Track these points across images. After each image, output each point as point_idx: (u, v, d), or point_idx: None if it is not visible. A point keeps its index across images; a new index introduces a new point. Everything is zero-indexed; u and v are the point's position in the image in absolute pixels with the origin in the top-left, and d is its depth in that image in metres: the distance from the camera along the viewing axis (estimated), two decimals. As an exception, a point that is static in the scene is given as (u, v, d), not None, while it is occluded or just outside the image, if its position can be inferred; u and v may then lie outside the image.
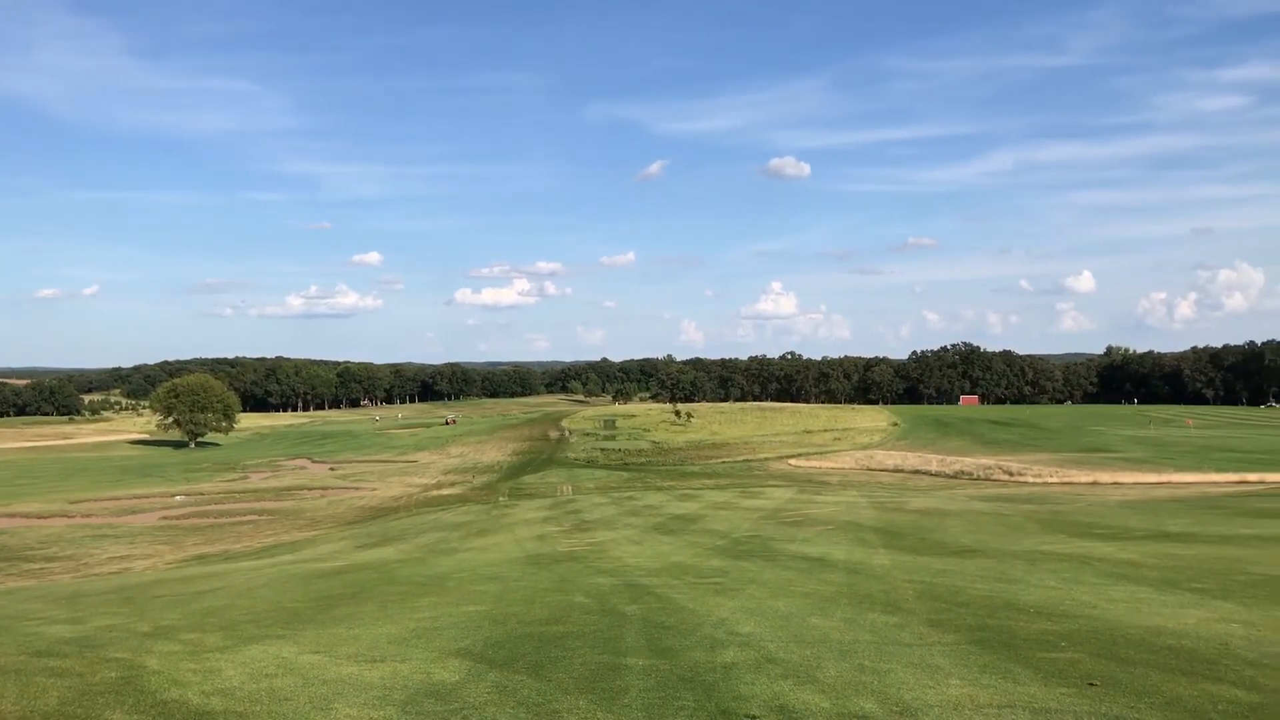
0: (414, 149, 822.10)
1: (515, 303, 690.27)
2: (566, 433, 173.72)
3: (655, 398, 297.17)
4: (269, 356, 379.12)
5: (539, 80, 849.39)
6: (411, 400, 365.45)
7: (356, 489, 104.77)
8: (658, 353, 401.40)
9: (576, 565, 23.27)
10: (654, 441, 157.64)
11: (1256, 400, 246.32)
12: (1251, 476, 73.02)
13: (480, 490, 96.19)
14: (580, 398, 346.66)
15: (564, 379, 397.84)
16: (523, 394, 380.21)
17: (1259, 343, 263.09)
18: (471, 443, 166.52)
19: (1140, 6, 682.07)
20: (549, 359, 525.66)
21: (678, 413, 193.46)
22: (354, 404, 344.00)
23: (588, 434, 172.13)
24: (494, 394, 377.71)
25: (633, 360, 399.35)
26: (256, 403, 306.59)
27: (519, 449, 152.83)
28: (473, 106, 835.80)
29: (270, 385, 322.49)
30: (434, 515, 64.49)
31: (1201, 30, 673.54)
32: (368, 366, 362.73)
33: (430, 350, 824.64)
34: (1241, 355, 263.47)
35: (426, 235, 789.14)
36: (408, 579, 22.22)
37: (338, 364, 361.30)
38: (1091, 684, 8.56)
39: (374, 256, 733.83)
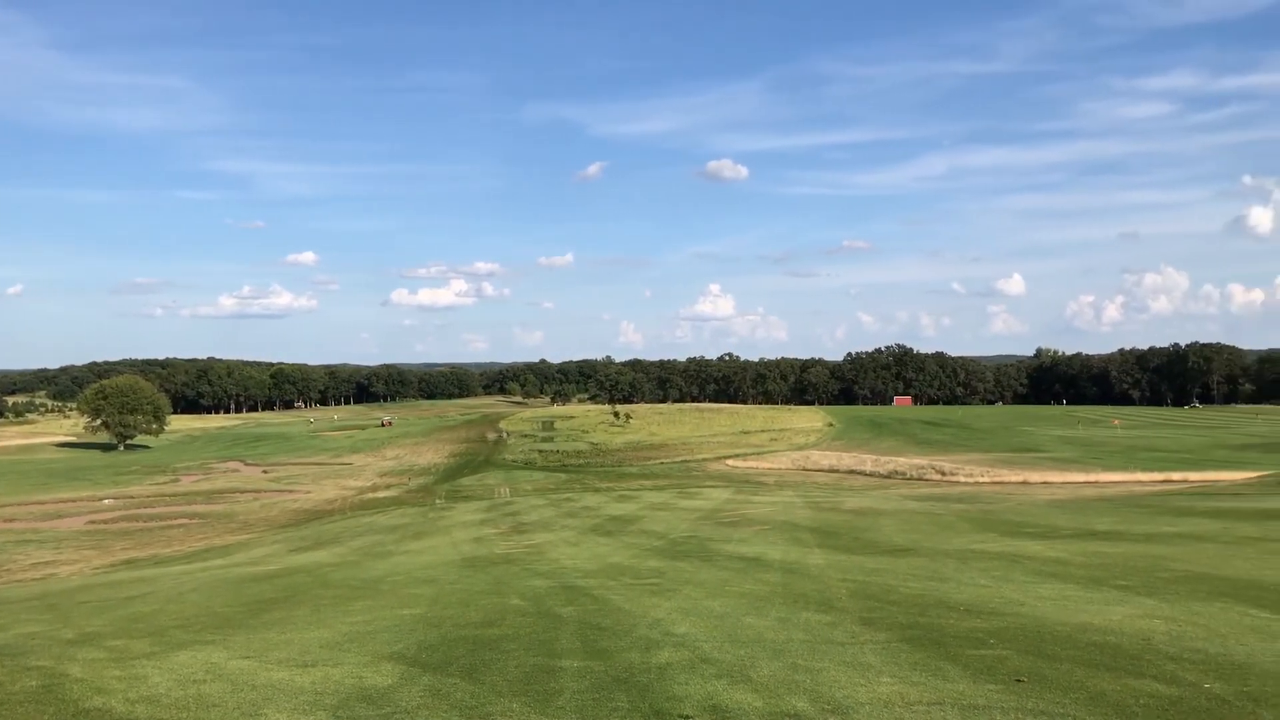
0: (349, 148, 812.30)
1: (452, 303, 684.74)
2: (504, 434, 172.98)
3: (594, 399, 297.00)
4: (201, 357, 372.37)
5: (476, 80, 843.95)
6: (347, 402, 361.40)
7: (290, 492, 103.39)
8: (596, 354, 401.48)
9: (513, 567, 23.17)
10: (592, 443, 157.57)
11: (1181, 401, 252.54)
12: (1175, 476, 74.88)
13: (416, 493, 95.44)
14: (518, 399, 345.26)
15: (502, 380, 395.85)
16: (460, 395, 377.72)
17: (1183, 345, 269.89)
18: (408, 445, 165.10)
19: (1068, 15, 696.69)
20: (487, 360, 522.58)
21: (616, 414, 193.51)
22: (288, 406, 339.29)
23: (526, 435, 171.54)
24: (431, 395, 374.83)
25: (571, 361, 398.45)
26: (188, 404, 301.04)
27: (456, 451, 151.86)
28: (409, 106, 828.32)
29: (202, 386, 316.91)
30: (369, 518, 63.86)
31: (1127, 39, 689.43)
32: (302, 368, 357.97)
33: (366, 351, 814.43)
34: (1166, 357, 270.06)
35: (362, 235, 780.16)
36: (341, 582, 21.99)
37: (271, 365, 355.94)
38: (1019, 680, 8.70)
39: (308, 256, 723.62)
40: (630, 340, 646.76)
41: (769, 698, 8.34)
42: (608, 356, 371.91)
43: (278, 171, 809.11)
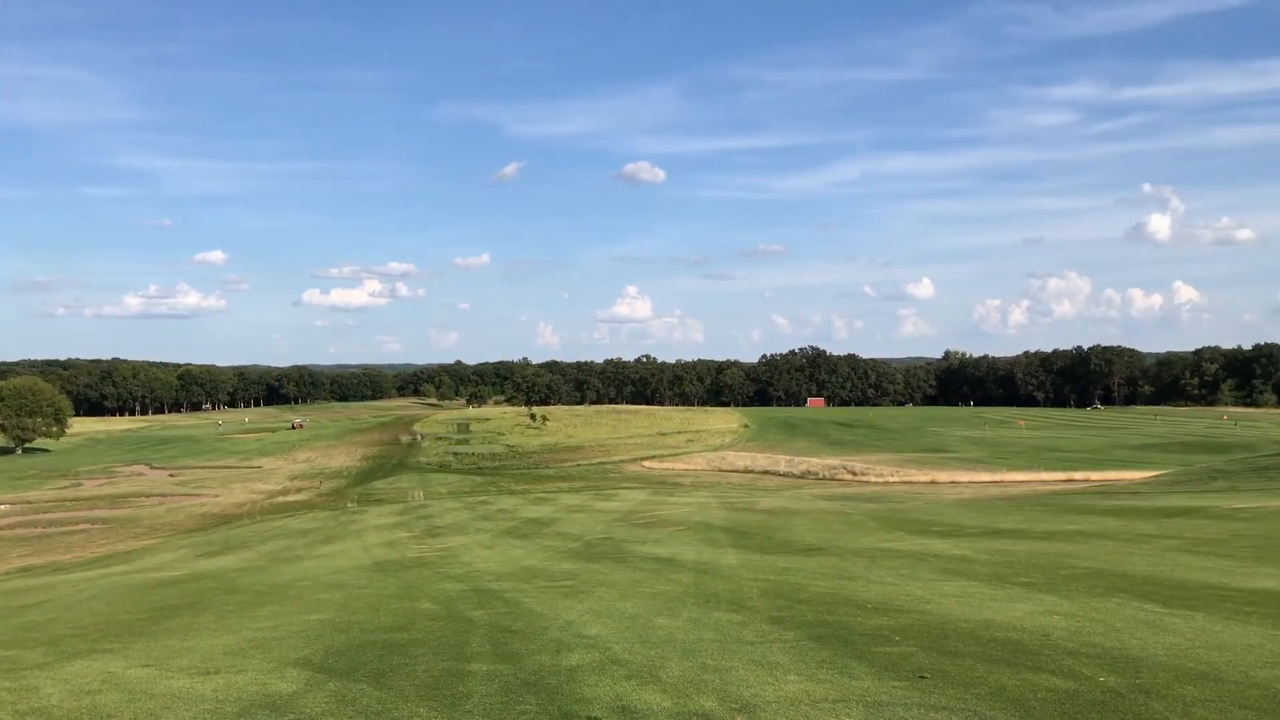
0: (260, 145, 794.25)
1: (366, 304, 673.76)
2: (418, 437, 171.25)
3: (510, 401, 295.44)
4: (105, 358, 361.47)
5: (390, 77, 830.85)
6: (257, 404, 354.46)
7: (198, 496, 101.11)
8: (513, 355, 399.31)
9: (425, 571, 22.97)
10: (509, 445, 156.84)
11: (1083, 402, 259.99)
12: (1077, 475, 77.12)
13: (328, 496, 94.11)
14: (433, 401, 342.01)
15: (416, 382, 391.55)
16: (373, 397, 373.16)
17: (1085, 347, 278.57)
18: (319, 447, 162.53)
19: (975, 25, 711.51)
20: (401, 362, 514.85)
21: (533, 416, 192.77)
22: (196, 408, 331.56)
23: (440, 438, 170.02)
24: (343, 398, 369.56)
25: (487, 363, 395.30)
26: (91, 406, 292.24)
27: (369, 454, 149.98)
28: (322, 103, 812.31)
29: (106, 388, 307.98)
30: (279, 522, 62.81)
31: (1033, 50, 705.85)
32: (210, 369, 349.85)
33: (276, 352, 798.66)
34: (1069, 360, 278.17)
35: (273, 234, 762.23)
36: (249, 588, 21.59)
37: (178, 366, 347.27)
38: (922, 676, 8.84)
39: (217, 255, 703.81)
40: (547, 342, 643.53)
41: (677, 698, 8.36)
42: (524, 358, 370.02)
43: (186, 168, 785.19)
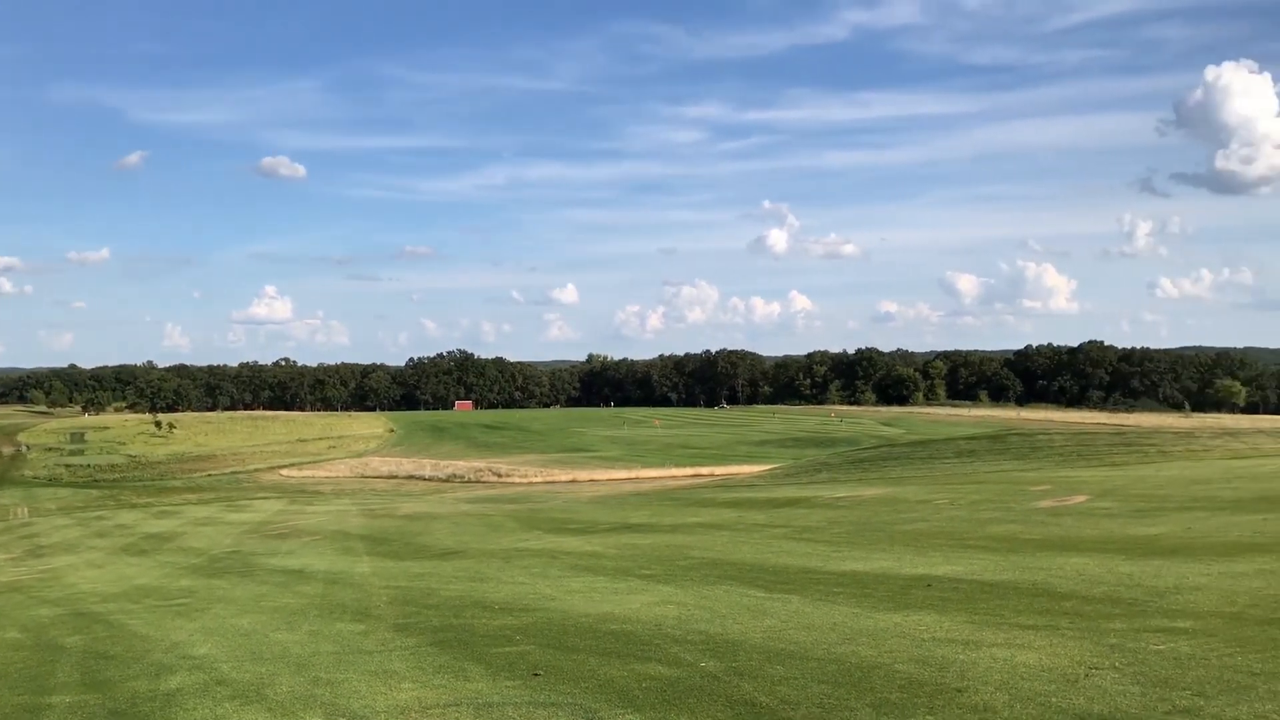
0: None
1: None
2: (24, 448, 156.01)
3: (133, 408, 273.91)
4: None
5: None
6: None
7: None
8: (136, 358, 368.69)
9: (17, 596, 20.85)
10: (130, 455, 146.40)
11: (712, 402, 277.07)
12: (704, 470, 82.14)
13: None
14: (43, 409, 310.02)
15: (22, 388, 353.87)
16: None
17: (714, 351, 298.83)
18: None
19: (615, 41, 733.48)
20: (4, 365, 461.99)
21: (158, 423, 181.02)
22: None
23: (51, 449, 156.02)
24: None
25: (107, 367, 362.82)
26: None
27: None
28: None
29: None
30: None
31: (666, 69, 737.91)
32: None
33: None
34: (700, 363, 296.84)
35: None
36: None
37: None
38: (536, 674, 8.95)
39: None
40: (176, 344, 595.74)
41: (282, 715, 8.02)
42: (149, 361, 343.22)
43: None
